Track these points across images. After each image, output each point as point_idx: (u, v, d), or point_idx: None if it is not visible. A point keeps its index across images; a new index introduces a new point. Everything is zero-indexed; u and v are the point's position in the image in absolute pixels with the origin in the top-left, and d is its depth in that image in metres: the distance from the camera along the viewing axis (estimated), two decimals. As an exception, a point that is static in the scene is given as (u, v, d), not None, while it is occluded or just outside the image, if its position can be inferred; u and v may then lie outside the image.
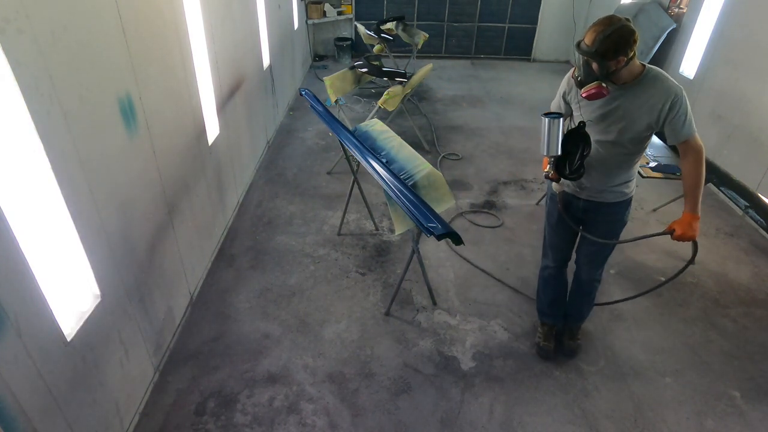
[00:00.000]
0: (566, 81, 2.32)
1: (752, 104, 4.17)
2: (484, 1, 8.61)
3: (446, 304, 3.11)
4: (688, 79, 5.13)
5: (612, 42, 1.94)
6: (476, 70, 8.49)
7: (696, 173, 2.10)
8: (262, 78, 4.82)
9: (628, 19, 1.98)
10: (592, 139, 2.24)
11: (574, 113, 2.32)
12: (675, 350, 2.83)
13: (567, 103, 2.34)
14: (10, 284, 1.46)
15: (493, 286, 3.26)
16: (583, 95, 2.07)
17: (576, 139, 2.23)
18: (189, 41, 2.86)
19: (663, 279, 3.40)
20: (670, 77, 2.09)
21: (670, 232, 2.20)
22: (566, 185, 2.44)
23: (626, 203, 2.42)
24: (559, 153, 2.22)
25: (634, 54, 2.01)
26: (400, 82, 5.03)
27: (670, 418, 2.43)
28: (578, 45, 2.04)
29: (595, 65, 2.01)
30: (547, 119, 2.18)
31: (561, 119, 2.18)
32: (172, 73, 2.63)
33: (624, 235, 2.55)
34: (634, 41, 1.97)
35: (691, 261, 2.34)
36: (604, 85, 2.00)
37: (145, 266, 2.35)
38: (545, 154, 2.23)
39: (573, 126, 2.27)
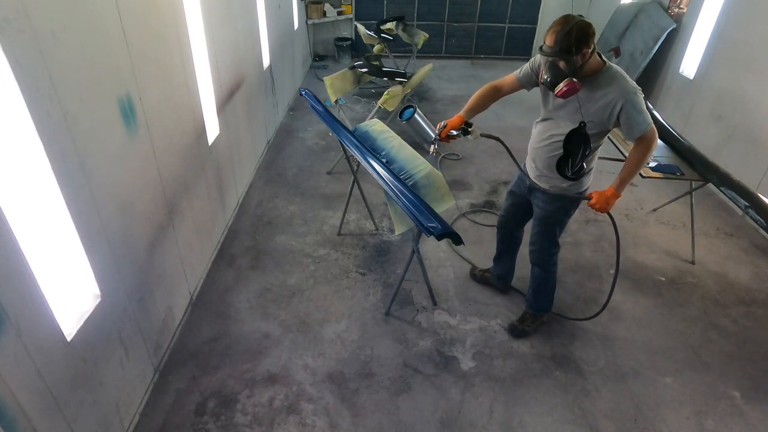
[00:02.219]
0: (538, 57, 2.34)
1: (752, 104, 4.17)
2: (484, 1, 8.61)
3: (446, 304, 3.11)
4: (688, 79, 5.13)
5: (573, 37, 2.01)
6: (476, 70, 8.49)
7: (638, 160, 2.22)
8: (262, 78, 4.82)
9: (581, 16, 2.09)
10: (550, 132, 2.37)
11: (542, 108, 2.43)
12: (675, 350, 2.83)
13: (534, 72, 2.38)
14: (10, 284, 1.46)
15: (493, 286, 3.26)
16: (558, 95, 2.13)
17: (578, 139, 2.24)
18: (189, 41, 2.86)
19: (663, 279, 3.40)
20: (627, 78, 2.16)
21: (589, 198, 2.33)
22: (525, 164, 2.61)
23: (563, 197, 2.47)
24: (438, 132, 2.46)
25: (595, 47, 2.09)
26: (400, 82, 5.03)
27: (670, 418, 2.43)
28: (541, 49, 2.11)
29: (562, 63, 2.08)
30: (407, 120, 2.45)
31: (415, 111, 2.45)
32: (172, 73, 2.63)
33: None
34: (593, 33, 2.06)
35: (617, 238, 2.50)
36: (575, 80, 2.07)
37: (145, 266, 2.35)
38: (433, 139, 2.46)
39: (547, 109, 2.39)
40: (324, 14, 8.27)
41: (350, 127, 3.42)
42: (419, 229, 2.39)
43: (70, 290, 1.83)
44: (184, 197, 2.81)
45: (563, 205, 2.50)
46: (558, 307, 3.07)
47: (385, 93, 4.69)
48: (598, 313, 2.86)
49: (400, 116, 2.51)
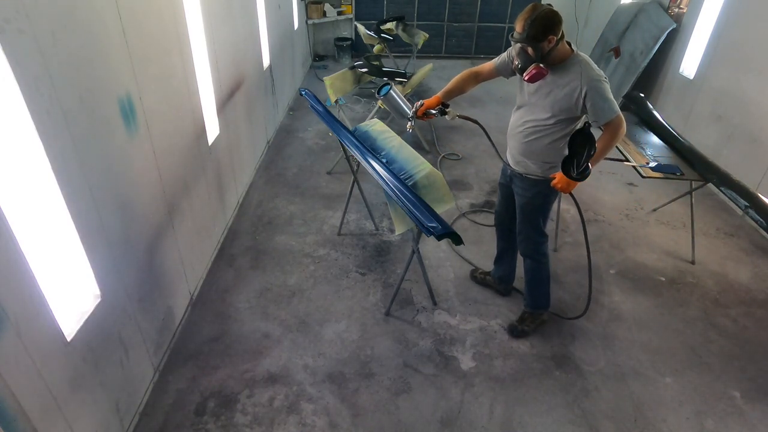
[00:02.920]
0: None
1: (752, 104, 4.17)
2: (484, 1, 8.61)
3: (446, 304, 3.11)
4: (688, 79, 5.13)
5: (539, 24, 2.14)
6: (476, 70, 8.48)
7: (604, 146, 2.31)
8: (262, 78, 4.82)
9: (549, 5, 2.21)
10: (524, 119, 2.47)
11: (518, 96, 2.52)
12: (675, 350, 2.83)
13: (510, 60, 2.46)
14: (10, 284, 1.46)
15: (494, 289, 3.26)
16: (526, 79, 2.26)
17: (583, 139, 2.25)
18: (189, 41, 2.86)
19: (663, 279, 3.40)
20: (593, 65, 2.26)
21: (552, 178, 2.42)
22: (508, 154, 2.67)
23: (540, 183, 2.54)
24: (415, 110, 2.60)
25: (562, 35, 2.21)
26: (400, 82, 5.03)
27: (670, 418, 2.43)
28: (512, 36, 2.23)
29: (530, 49, 2.20)
30: (384, 96, 2.58)
31: (391, 88, 2.59)
32: (172, 73, 2.63)
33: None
34: (559, 21, 2.18)
35: (580, 215, 2.61)
36: (542, 65, 2.20)
37: (145, 266, 2.35)
38: (409, 116, 2.61)
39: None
40: (324, 14, 8.27)
41: (350, 127, 3.41)
42: (419, 229, 2.39)
43: (70, 290, 1.83)
44: (184, 197, 2.81)
45: (541, 191, 2.55)
46: (558, 308, 3.07)
47: (385, 93, 4.68)
48: (586, 309, 2.86)
49: (378, 92, 2.69)
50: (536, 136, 2.43)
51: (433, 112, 2.62)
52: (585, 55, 2.30)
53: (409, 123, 2.65)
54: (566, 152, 2.43)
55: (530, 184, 2.55)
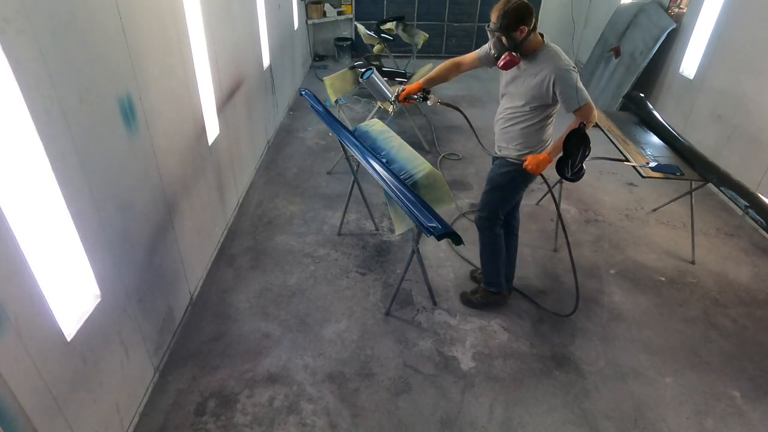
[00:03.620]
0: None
1: (752, 104, 4.17)
2: (484, 1, 8.61)
3: (446, 304, 3.11)
4: (688, 79, 5.13)
5: (512, 15, 2.29)
6: (476, 70, 8.47)
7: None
8: (262, 78, 4.82)
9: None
10: (504, 107, 2.64)
11: (500, 85, 2.68)
12: (675, 350, 2.83)
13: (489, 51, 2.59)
14: (10, 284, 1.46)
15: (493, 286, 3.26)
16: (499, 66, 2.43)
17: (578, 140, 2.26)
18: (189, 41, 2.86)
19: (663, 279, 3.40)
20: (563, 55, 2.42)
21: (524, 160, 2.58)
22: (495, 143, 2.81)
23: (512, 164, 2.67)
24: (397, 93, 2.74)
25: (535, 27, 2.35)
26: (400, 82, 5.03)
27: (670, 418, 2.43)
28: (488, 26, 2.39)
29: (503, 39, 2.35)
30: (366, 80, 2.70)
31: (373, 72, 2.71)
32: (172, 73, 2.63)
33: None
34: (531, 13, 2.32)
35: (553, 198, 2.88)
36: (514, 54, 2.36)
37: (145, 266, 2.35)
38: (391, 99, 2.74)
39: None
40: (324, 14, 8.27)
41: (350, 127, 3.41)
42: (419, 229, 2.39)
43: (70, 290, 1.83)
44: (184, 197, 2.81)
45: (509, 171, 2.69)
46: (558, 307, 3.07)
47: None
48: (576, 305, 2.94)
49: (361, 76, 2.85)
50: (513, 122, 2.60)
51: (415, 97, 2.75)
52: (555, 46, 2.45)
53: (392, 107, 2.81)
54: (540, 137, 2.62)
55: (504, 163, 2.71)
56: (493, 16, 2.33)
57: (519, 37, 2.33)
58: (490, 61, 2.59)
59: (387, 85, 2.79)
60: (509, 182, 2.71)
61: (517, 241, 3.04)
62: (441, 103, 2.75)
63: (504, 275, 2.98)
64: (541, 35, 2.43)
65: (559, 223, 2.64)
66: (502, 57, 2.38)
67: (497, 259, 2.92)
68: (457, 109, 2.83)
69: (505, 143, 2.68)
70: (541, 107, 2.50)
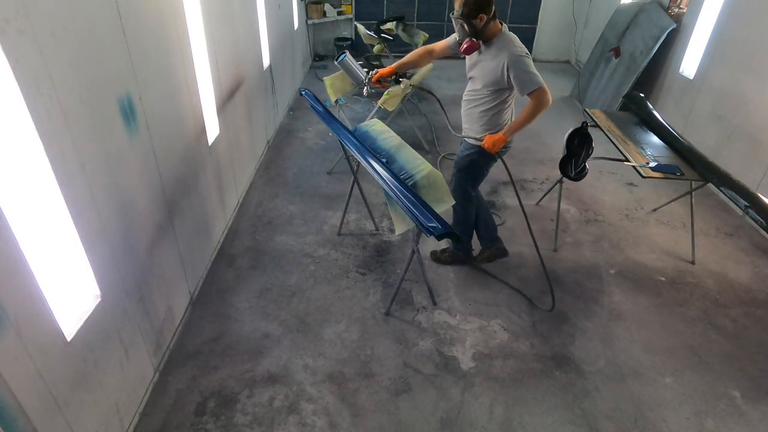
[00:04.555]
0: None
1: (752, 104, 4.17)
2: (484, 1, 8.60)
3: (446, 304, 3.11)
4: (688, 79, 5.13)
5: (472, 4, 2.51)
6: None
7: (528, 113, 2.65)
8: (262, 78, 4.82)
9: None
10: (467, 90, 2.84)
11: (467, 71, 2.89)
12: (675, 350, 2.83)
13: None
14: (10, 284, 1.46)
15: (493, 286, 3.26)
16: (462, 50, 2.66)
17: (581, 140, 2.28)
18: (189, 41, 2.86)
19: (663, 279, 3.40)
20: (517, 42, 2.62)
21: (482, 139, 2.81)
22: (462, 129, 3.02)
23: (474, 147, 2.90)
24: (369, 76, 2.93)
25: (494, 15, 2.57)
26: (401, 82, 5.02)
27: (670, 418, 2.43)
28: (451, 13, 2.61)
29: (465, 26, 2.56)
30: (340, 62, 2.88)
31: (346, 55, 2.89)
32: (172, 73, 2.63)
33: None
34: (490, 2, 2.54)
35: (510, 179, 2.93)
36: (474, 39, 2.59)
37: (145, 266, 2.35)
38: (364, 81, 2.93)
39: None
40: (324, 14, 8.27)
41: (350, 127, 3.41)
42: (419, 229, 2.39)
43: (70, 290, 1.83)
44: (184, 197, 2.81)
45: (470, 154, 2.93)
46: (558, 307, 3.07)
47: (385, 93, 4.69)
48: (553, 300, 3.05)
49: (336, 59, 3.05)
50: (473, 105, 2.84)
51: (387, 80, 2.98)
52: (511, 33, 2.65)
53: (365, 88, 2.98)
54: (498, 120, 2.83)
55: (467, 146, 2.96)
56: (456, 5, 2.56)
57: (479, 25, 2.54)
58: (457, 49, 2.81)
59: (360, 68, 3.00)
60: (471, 163, 2.96)
61: (485, 202, 3.35)
62: (413, 86, 2.96)
63: (482, 238, 3.32)
64: (500, 22, 2.65)
65: (523, 214, 2.80)
66: (464, 42, 2.61)
67: (468, 231, 3.26)
68: (430, 92, 3.08)
69: (467, 124, 2.93)
70: (498, 91, 2.71)
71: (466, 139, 2.94)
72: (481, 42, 2.62)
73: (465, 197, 3.07)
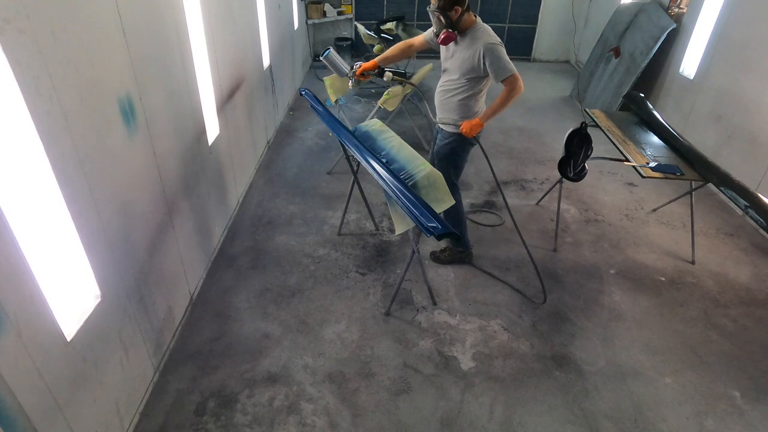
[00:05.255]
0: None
1: (752, 104, 4.17)
2: (484, 1, 8.60)
3: (446, 304, 3.11)
4: (688, 79, 5.13)
5: None
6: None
7: (502, 99, 2.83)
8: (262, 78, 4.82)
9: None
10: (443, 80, 2.98)
11: (442, 62, 3.02)
12: (675, 350, 2.83)
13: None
14: (10, 284, 1.46)
15: (493, 286, 3.26)
16: (439, 41, 2.81)
17: (580, 140, 2.29)
18: (189, 41, 2.86)
19: (663, 279, 3.40)
20: (491, 32, 2.79)
21: (460, 125, 2.94)
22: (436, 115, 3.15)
23: (452, 135, 3.05)
24: (353, 70, 3.04)
25: (468, 8, 2.74)
26: (400, 82, 5.02)
27: (670, 418, 2.43)
28: (428, 6, 2.75)
29: (442, 18, 2.72)
30: (325, 57, 3.03)
31: (330, 51, 3.01)
32: (172, 73, 2.63)
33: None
34: None
35: (479, 146, 3.07)
36: (450, 30, 2.74)
37: (145, 266, 2.35)
38: (348, 75, 3.08)
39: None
40: (324, 14, 8.27)
41: (350, 127, 3.41)
42: (419, 229, 2.39)
43: (70, 290, 1.83)
44: (184, 197, 2.81)
45: (450, 143, 3.07)
46: (558, 306, 3.08)
47: (385, 93, 4.69)
48: (544, 293, 3.12)
49: (321, 55, 3.17)
50: (451, 94, 2.97)
51: (370, 73, 3.10)
52: (485, 25, 2.82)
53: (350, 81, 3.12)
54: (474, 108, 2.96)
55: (445, 135, 3.09)
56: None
57: (454, 16, 2.70)
58: (435, 42, 2.94)
59: (345, 62, 3.17)
60: (452, 151, 3.10)
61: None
62: (395, 78, 3.09)
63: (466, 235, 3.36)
64: (475, 16, 2.82)
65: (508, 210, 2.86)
66: (442, 33, 2.75)
67: (461, 222, 3.27)
68: (411, 84, 3.21)
69: (444, 114, 3.05)
70: (474, 79, 2.85)
71: (443, 127, 3.07)
72: (456, 33, 2.77)
73: (451, 186, 3.10)
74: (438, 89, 3.07)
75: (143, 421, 2.30)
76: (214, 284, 3.19)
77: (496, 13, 8.73)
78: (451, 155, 3.11)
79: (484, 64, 2.75)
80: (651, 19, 5.83)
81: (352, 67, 3.09)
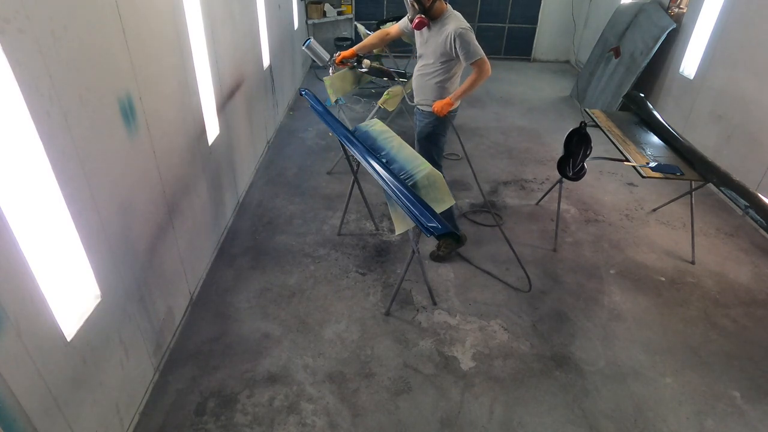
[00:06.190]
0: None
1: (752, 104, 4.17)
2: (484, 1, 8.61)
3: (446, 304, 3.11)
4: (688, 79, 5.13)
5: None
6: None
7: (471, 81, 3.04)
8: (262, 78, 4.82)
9: None
10: (420, 64, 3.18)
11: (417, 48, 3.24)
12: (675, 350, 2.83)
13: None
14: (10, 284, 1.46)
15: (493, 286, 3.26)
16: (413, 26, 3.04)
17: (579, 140, 2.29)
18: (189, 41, 2.86)
19: (663, 279, 3.40)
20: (461, 18, 3.00)
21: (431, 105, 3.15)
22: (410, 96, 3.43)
23: (430, 115, 3.24)
24: (332, 58, 3.36)
25: None
26: (400, 82, 5.02)
27: (670, 418, 2.43)
28: None
29: (415, 4, 2.94)
30: (306, 47, 3.35)
31: (311, 40, 3.37)
32: (172, 73, 2.63)
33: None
34: None
35: (452, 125, 3.26)
36: (423, 16, 2.97)
37: (145, 266, 2.35)
38: (328, 63, 3.40)
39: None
40: (324, 14, 8.27)
41: (350, 127, 3.42)
42: (419, 229, 2.39)
43: (70, 290, 1.83)
44: (184, 197, 2.81)
45: (430, 122, 3.25)
46: (558, 306, 3.08)
47: (385, 93, 4.69)
48: (529, 282, 3.22)
49: (303, 44, 3.53)
50: (427, 78, 3.18)
51: (350, 61, 3.34)
52: (455, 11, 3.04)
53: (331, 69, 3.42)
54: (449, 91, 3.16)
55: (423, 116, 3.28)
56: None
57: (427, 3, 2.93)
58: (409, 30, 3.19)
59: (324, 50, 3.47)
60: (432, 131, 3.28)
61: None
62: (373, 66, 3.28)
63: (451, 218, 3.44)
64: (446, 3, 3.02)
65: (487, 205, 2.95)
66: (415, 18, 2.97)
67: (449, 213, 3.33)
68: (389, 75, 3.50)
69: (422, 96, 3.26)
70: (449, 62, 3.06)
71: (422, 108, 3.27)
72: (429, 19, 2.98)
73: (435, 167, 3.18)
74: (415, 74, 3.27)
75: (143, 421, 2.30)
76: (214, 284, 3.19)
77: (496, 13, 8.73)
78: (432, 134, 3.30)
79: (454, 47, 2.95)
80: (651, 19, 5.83)
81: (331, 56, 3.31)
